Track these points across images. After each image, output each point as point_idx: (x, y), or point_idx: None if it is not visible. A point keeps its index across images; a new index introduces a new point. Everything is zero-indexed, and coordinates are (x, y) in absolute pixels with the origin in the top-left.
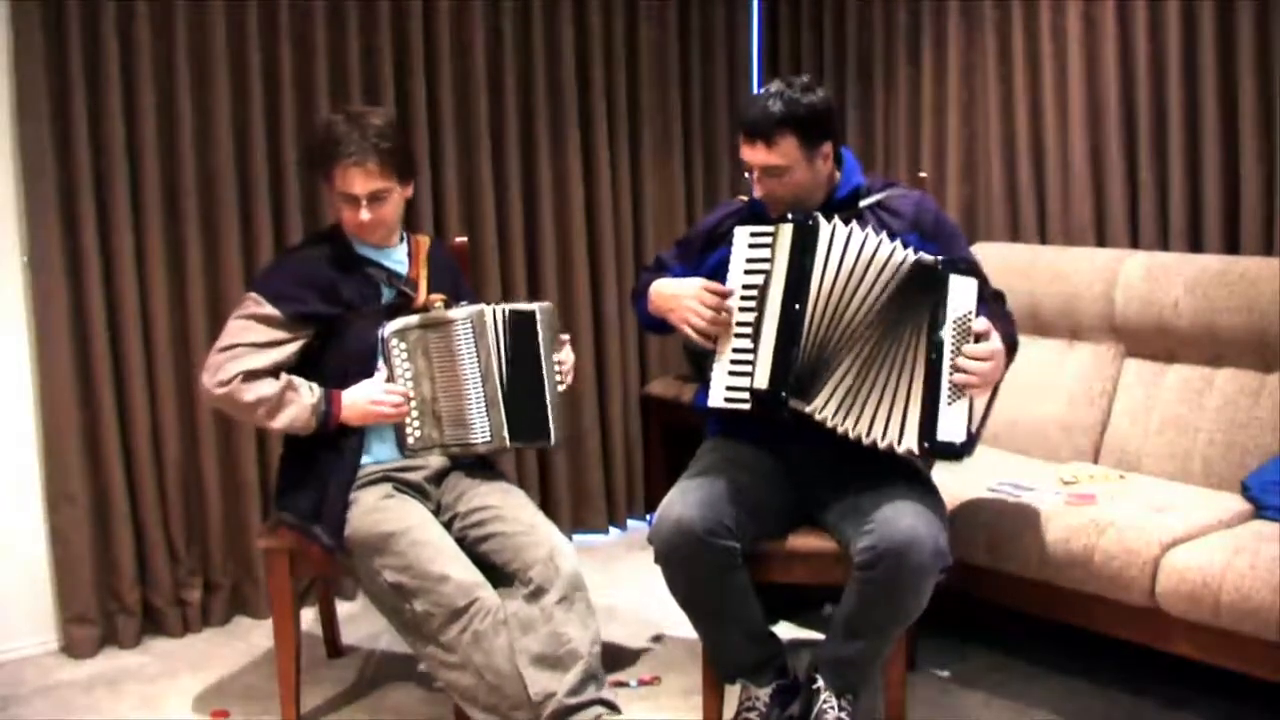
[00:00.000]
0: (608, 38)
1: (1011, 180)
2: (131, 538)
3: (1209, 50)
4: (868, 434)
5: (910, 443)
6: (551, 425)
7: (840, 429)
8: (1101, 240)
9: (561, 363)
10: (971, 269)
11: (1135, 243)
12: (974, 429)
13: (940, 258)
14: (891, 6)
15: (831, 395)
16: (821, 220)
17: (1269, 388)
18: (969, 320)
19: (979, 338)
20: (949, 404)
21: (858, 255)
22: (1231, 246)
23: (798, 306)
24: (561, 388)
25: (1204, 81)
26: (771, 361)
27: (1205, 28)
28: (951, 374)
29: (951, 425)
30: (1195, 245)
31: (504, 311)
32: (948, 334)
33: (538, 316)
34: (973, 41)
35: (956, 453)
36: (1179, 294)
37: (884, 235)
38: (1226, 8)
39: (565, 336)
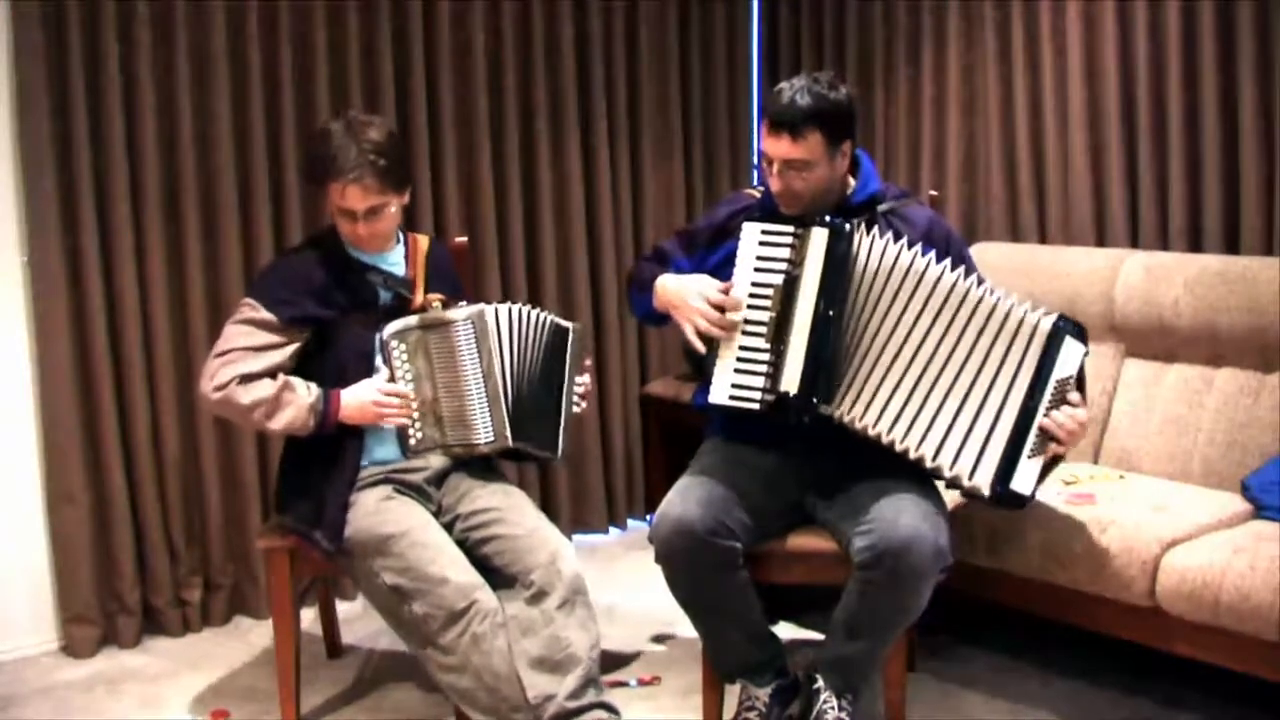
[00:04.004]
0: (608, 38)
1: (1011, 180)
2: (131, 538)
3: (1209, 50)
4: (932, 457)
5: (982, 481)
6: (560, 441)
7: (886, 439)
8: (1101, 240)
9: (582, 384)
10: (1085, 337)
11: (1135, 243)
12: (1037, 487)
13: (1060, 315)
14: (891, 6)
15: (870, 404)
16: (856, 227)
17: (1269, 388)
18: (1069, 385)
19: (1073, 405)
20: (1029, 457)
21: (892, 266)
22: (1231, 246)
23: (832, 314)
24: (577, 409)
25: (1204, 81)
26: (803, 367)
27: (1205, 28)
28: (1039, 431)
29: (1025, 478)
30: (1195, 245)
31: (543, 318)
32: (1048, 391)
33: (571, 334)
34: (973, 41)
35: (1020, 504)
36: (1179, 294)
37: (917, 249)
38: (1226, 8)
39: (589, 362)
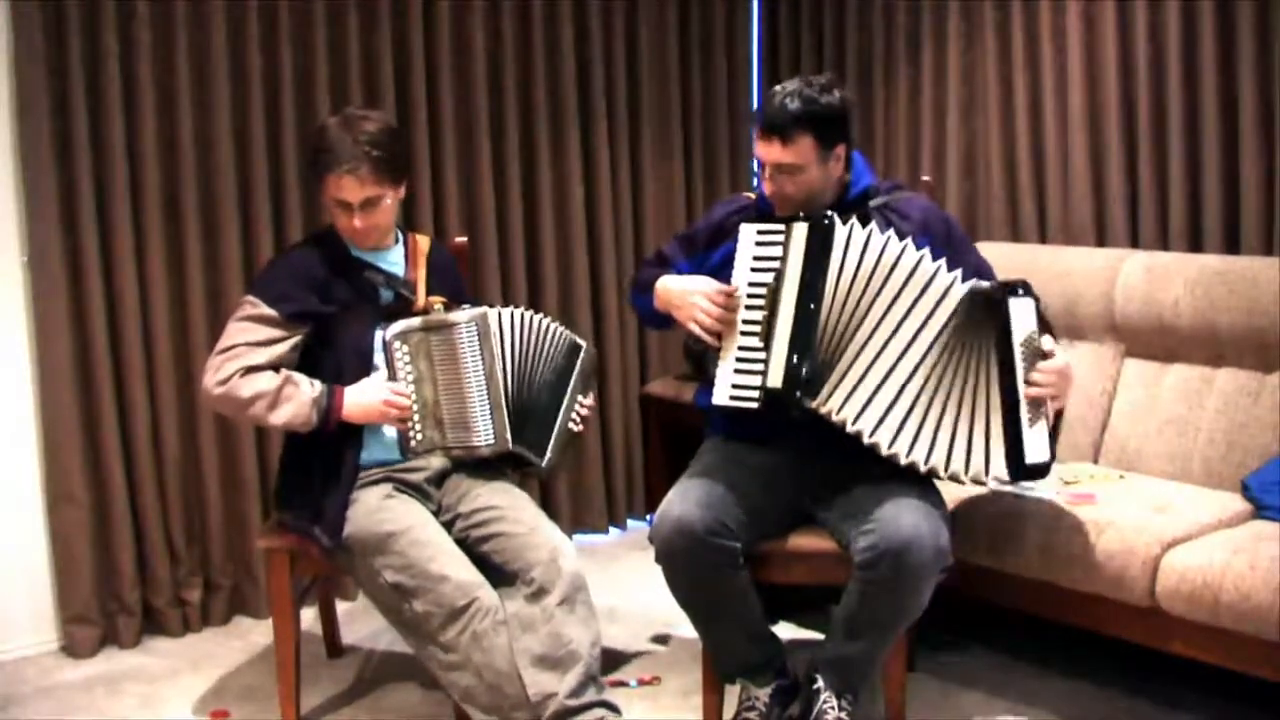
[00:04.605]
0: (608, 38)
1: (1011, 180)
2: (131, 538)
3: (1209, 50)
4: (944, 468)
5: (999, 471)
6: (549, 450)
7: (890, 452)
8: (1101, 240)
9: (584, 405)
10: (1027, 289)
11: (1135, 243)
12: (1053, 447)
13: (995, 282)
14: (891, 6)
15: (851, 399)
16: (837, 220)
17: (1269, 388)
18: (1034, 340)
19: (1046, 356)
20: (1030, 426)
21: (878, 257)
22: (1231, 246)
23: (812, 306)
24: (576, 427)
25: (1204, 81)
26: (786, 361)
27: (1205, 28)
28: (1028, 399)
29: (1036, 446)
30: (1195, 245)
31: (555, 330)
32: (1018, 358)
33: (584, 352)
34: (973, 42)
35: (1044, 473)
36: (1179, 294)
37: (907, 241)
38: (1226, 8)
39: (594, 388)
